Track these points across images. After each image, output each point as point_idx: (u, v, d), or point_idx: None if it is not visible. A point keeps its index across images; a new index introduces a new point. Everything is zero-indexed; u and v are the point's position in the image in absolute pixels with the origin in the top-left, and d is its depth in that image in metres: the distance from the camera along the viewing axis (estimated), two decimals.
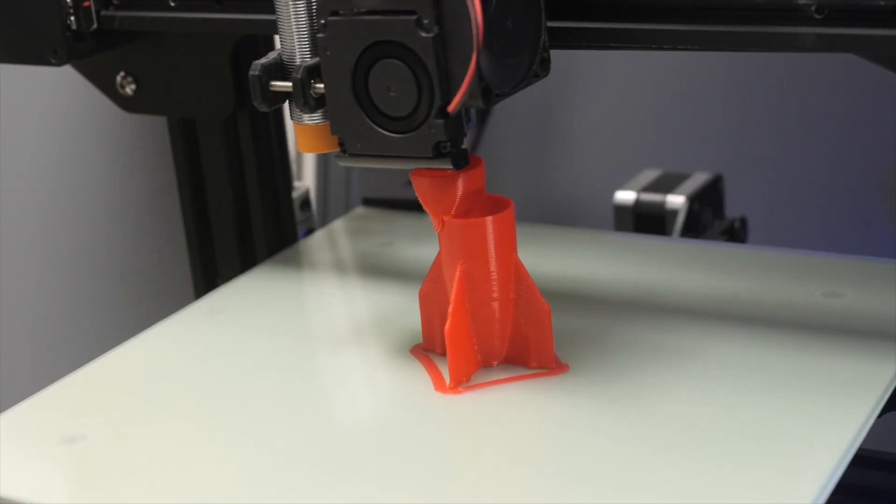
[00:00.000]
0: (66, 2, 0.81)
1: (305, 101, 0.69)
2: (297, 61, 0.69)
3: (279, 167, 0.94)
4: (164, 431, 0.71)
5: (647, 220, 1.06)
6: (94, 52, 0.84)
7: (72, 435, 0.71)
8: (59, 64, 0.82)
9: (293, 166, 1.13)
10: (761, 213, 1.16)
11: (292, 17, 0.69)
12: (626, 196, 1.08)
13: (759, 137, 1.20)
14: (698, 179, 1.08)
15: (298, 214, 1.00)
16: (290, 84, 0.69)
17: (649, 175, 1.11)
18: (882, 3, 0.61)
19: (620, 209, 1.07)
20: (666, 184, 1.08)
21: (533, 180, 1.26)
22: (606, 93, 1.24)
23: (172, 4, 0.81)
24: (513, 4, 0.65)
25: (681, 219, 1.04)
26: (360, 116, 0.67)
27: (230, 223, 0.94)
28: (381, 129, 0.67)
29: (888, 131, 1.11)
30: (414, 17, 0.64)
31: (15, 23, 0.82)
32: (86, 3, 0.82)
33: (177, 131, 0.93)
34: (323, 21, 0.66)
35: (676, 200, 1.05)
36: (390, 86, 0.66)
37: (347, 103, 0.67)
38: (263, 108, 0.70)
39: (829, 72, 1.13)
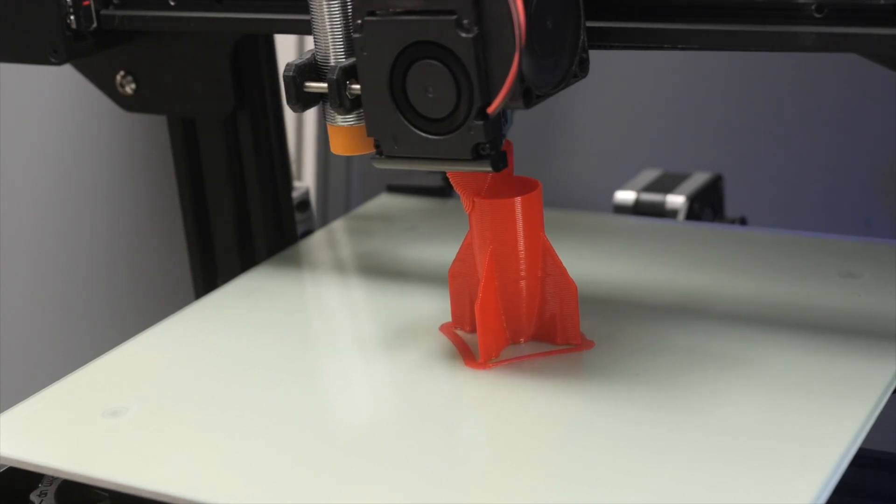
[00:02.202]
0: (66, 1, 0.81)
1: (341, 102, 0.68)
2: (332, 62, 0.68)
3: (279, 167, 0.94)
4: (166, 432, 0.71)
5: None
6: (93, 51, 0.84)
7: (68, 435, 0.71)
8: (59, 63, 0.82)
9: (293, 166, 1.13)
10: (761, 213, 1.16)
11: (326, 17, 0.68)
12: (626, 196, 1.08)
13: (759, 137, 1.20)
14: (698, 179, 1.08)
15: (297, 215, 1.00)
16: (324, 85, 0.68)
17: (649, 175, 1.10)
18: (882, 2, 0.61)
19: (620, 209, 1.07)
20: (666, 184, 1.08)
21: None
22: (606, 93, 1.24)
23: (172, 4, 0.81)
24: (552, 4, 0.64)
25: (681, 219, 1.04)
26: (397, 118, 0.66)
27: (230, 223, 0.94)
28: (418, 131, 0.66)
29: (888, 131, 1.11)
30: (453, 17, 0.62)
31: (15, 22, 0.82)
32: (85, 3, 0.81)
33: (176, 130, 0.93)
34: (359, 21, 0.65)
35: (676, 200, 1.05)
36: (428, 87, 0.65)
37: (384, 105, 0.66)
38: (297, 110, 0.69)
39: (829, 71, 1.13)
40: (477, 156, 0.65)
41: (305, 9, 0.76)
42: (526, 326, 0.75)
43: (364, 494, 0.64)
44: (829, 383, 0.69)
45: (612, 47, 0.69)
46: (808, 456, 0.62)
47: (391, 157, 0.67)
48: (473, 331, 0.75)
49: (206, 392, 0.74)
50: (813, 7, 0.63)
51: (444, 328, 0.78)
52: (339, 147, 0.70)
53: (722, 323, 0.76)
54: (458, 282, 0.76)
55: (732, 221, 1.09)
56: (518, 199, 0.72)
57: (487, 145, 0.65)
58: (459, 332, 0.77)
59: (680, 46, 0.67)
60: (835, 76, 1.13)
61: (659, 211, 1.05)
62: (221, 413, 0.72)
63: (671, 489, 0.61)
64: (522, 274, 0.73)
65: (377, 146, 0.68)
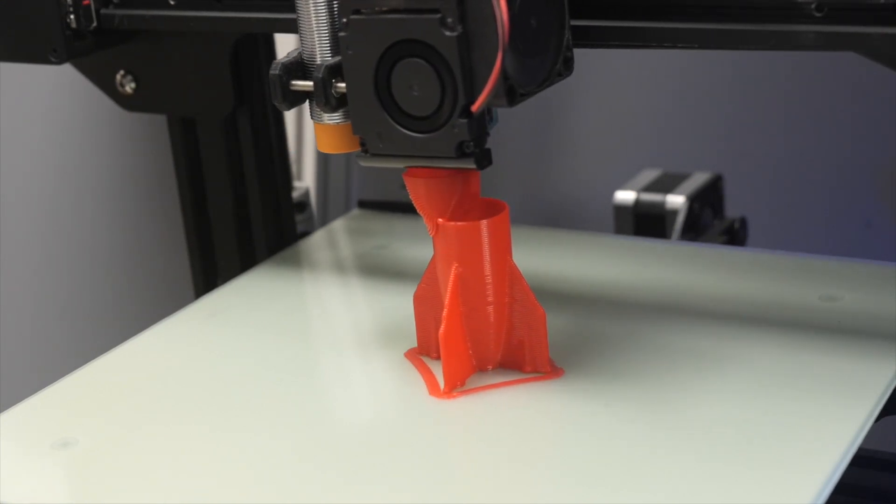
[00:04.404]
0: (66, 0, 0.81)
1: (327, 100, 0.68)
2: (318, 60, 0.69)
3: (279, 167, 0.94)
4: (164, 432, 0.71)
5: (647, 220, 1.06)
6: (93, 50, 0.84)
7: (66, 438, 0.70)
8: (59, 62, 0.82)
9: (293, 166, 1.13)
10: (761, 213, 1.16)
11: (312, 15, 0.68)
12: (626, 196, 1.08)
13: (759, 137, 1.20)
14: (698, 179, 1.09)
15: (296, 215, 0.99)
16: (310, 83, 0.69)
17: (649, 175, 1.11)
18: (882, 1, 0.61)
19: (620, 209, 1.07)
20: (666, 184, 1.08)
21: (533, 180, 1.26)
22: (606, 93, 1.24)
23: (172, 3, 0.81)
24: (536, 3, 0.64)
25: (681, 219, 1.04)
26: (382, 116, 0.66)
27: (230, 223, 0.94)
28: (403, 129, 0.66)
29: (888, 131, 1.11)
30: (438, 15, 0.63)
31: (15, 21, 0.82)
32: (85, 2, 0.81)
33: (176, 130, 0.93)
34: (345, 20, 0.66)
35: (676, 200, 1.05)
36: (413, 85, 0.65)
37: (369, 103, 0.67)
38: (284, 108, 0.70)
39: (830, 71, 1.13)
40: (461, 153, 0.65)
41: None
42: (493, 354, 0.72)
43: (363, 495, 0.64)
44: (829, 383, 0.68)
45: (608, 46, 0.69)
46: (808, 456, 0.62)
47: (376, 155, 0.68)
48: (439, 357, 0.72)
49: (204, 392, 0.74)
50: (813, 6, 0.63)
51: (410, 354, 0.75)
52: (325, 145, 0.71)
53: (717, 326, 0.75)
54: (424, 306, 0.74)
55: (732, 221, 1.09)
56: (484, 223, 0.70)
57: (472, 143, 0.65)
58: (425, 359, 0.74)
59: (679, 45, 0.67)
60: (835, 76, 1.13)
61: (659, 211, 1.05)
62: (220, 413, 0.72)
63: (671, 490, 0.61)
64: (489, 299, 0.71)
65: (363, 144, 0.68)
